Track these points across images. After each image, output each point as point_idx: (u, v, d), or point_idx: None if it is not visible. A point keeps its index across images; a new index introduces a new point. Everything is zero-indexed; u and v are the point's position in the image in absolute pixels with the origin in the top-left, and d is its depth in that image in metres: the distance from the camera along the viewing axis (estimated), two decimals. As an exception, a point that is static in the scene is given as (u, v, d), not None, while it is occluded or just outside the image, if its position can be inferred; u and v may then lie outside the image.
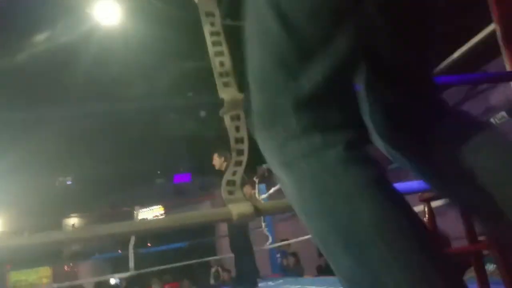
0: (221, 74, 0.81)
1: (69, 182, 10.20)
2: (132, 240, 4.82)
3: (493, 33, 1.57)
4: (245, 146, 0.80)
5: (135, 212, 6.75)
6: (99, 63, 4.73)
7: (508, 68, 1.35)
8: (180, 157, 9.26)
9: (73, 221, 10.96)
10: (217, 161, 4.56)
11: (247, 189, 4.39)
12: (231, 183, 0.81)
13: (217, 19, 0.85)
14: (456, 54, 2.36)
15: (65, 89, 5.10)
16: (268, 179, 6.28)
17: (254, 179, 5.21)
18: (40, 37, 4.38)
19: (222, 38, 0.84)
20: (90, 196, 9.40)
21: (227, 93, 0.79)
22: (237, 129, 0.79)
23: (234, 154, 0.79)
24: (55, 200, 9.19)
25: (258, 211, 0.75)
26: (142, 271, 5.05)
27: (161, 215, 11.18)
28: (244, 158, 0.80)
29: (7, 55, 4.50)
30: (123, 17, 3.96)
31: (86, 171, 8.79)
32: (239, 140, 0.79)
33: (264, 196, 5.20)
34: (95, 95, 5.33)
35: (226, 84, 0.80)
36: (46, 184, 9.44)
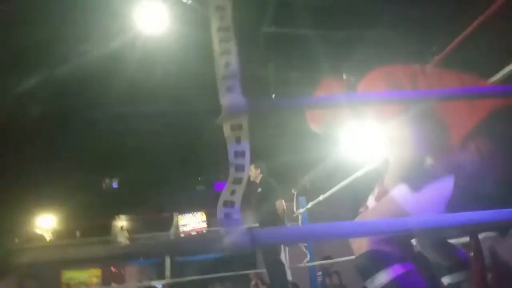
0: (224, 77, 0.69)
1: (115, 185, 10.52)
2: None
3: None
4: (246, 161, 0.67)
5: (174, 218, 6.80)
6: (144, 70, 4.80)
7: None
8: (221, 164, 9.30)
9: (121, 223, 11.32)
10: (253, 172, 4.46)
11: (279, 203, 4.24)
12: (228, 204, 0.68)
13: (228, 13, 0.73)
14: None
15: (111, 94, 5.22)
16: (309, 192, 6.08)
17: (293, 191, 5.04)
18: (92, 44, 4.51)
19: (231, 35, 0.72)
20: (135, 200, 9.63)
21: (229, 98, 0.66)
22: (238, 140, 0.66)
23: (232, 169, 0.66)
24: (102, 201, 9.50)
25: (255, 242, 0.62)
26: (177, 280, 5.03)
27: (203, 221, 11.28)
28: (245, 175, 0.67)
29: (58, 64, 4.68)
30: (170, 24, 3.98)
31: (131, 175, 9.02)
32: (239, 154, 0.66)
33: (302, 210, 5.01)
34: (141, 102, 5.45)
35: (229, 89, 0.68)
36: (94, 185, 9.79)
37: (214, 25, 0.70)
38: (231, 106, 0.65)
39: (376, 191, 1.36)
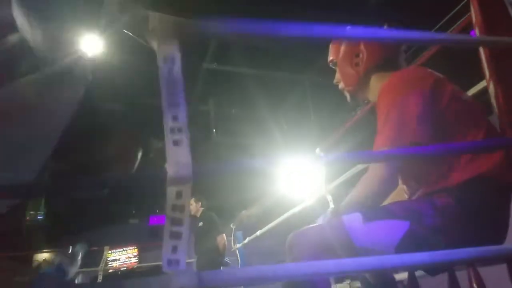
0: (172, 130, 0.66)
1: (40, 217, 9.77)
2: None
3: (484, 90, 1.48)
4: (185, 216, 0.64)
5: (104, 253, 6.42)
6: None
7: (499, 128, 1.24)
8: (156, 198, 9.01)
9: (44, 256, 10.47)
10: (194, 205, 4.36)
11: (221, 238, 4.17)
12: (173, 262, 0.64)
13: (177, 67, 0.71)
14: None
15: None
16: (247, 226, 6.04)
17: (231, 225, 4.98)
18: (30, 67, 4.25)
19: (179, 87, 0.70)
20: (61, 232, 8.99)
21: (176, 154, 0.64)
22: (178, 194, 0.63)
23: (168, 222, 0.63)
24: (26, 233, 8.77)
25: (203, 286, 0.59)
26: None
27: (135, 256, 10.73)
28: (185, 230, 0.64)
29: None
30: (107, 51, 3.88)
31: (58, 206, 8.44)
32: (177, 208, 0.63)
33: (239, 245, 4.94)
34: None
35: (176, 143, 0.65)
36: (17, 217, 9.04)
37: (162, 77, 0.68)
38: (176, 167, 0.62)
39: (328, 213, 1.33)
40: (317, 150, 3.25)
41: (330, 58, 1.50)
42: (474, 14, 1.31)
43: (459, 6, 2.31)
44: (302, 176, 3.79)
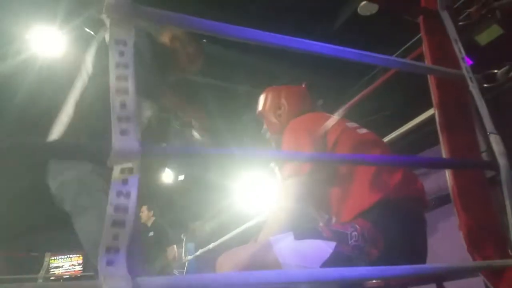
0: (119, 118, 0.65)
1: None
2: None
3: (432, 118, 1.57)
4: (131, 203, 0.62)
5: (45, 259, 6.11)
6: (35, 95, 4.41)
7: (444, 155, 1.31)
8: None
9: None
10: (145, 214, 4.26)
11: (171, 249, 4.08)
12: (112, 250, 0.61)
13: (129, 49, 0.70)
14: (394, 134, 2.39)
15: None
16: (200, 238, 5.94)
17: (182, 236, 4.89)
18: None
19: (130, 72, 0.69)
20: (2, 237, 8.43)
21: (122, 142, 0.62)
22: (125, 181, 0.62)
23: (111, 210, 0.61)
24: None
25: None
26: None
27: (79, 264, 10.27)
28: (129, 218, 0.62)
29: None
30: (66, 48, 3.76)
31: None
32: (122, 194, 0.61)
33: (190, 257, 4.86)
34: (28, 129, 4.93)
35: (123, 132, 0.64)
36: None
37: (112, 60, 0.67)
38: (123, 150, 0.61)
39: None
40: (272, 164, 3.29)
41: (258, 110, 1.71)
42: (424, 47, 1.41)
43: (414, 39, 2.48)
44: (258, 190, 3.80)
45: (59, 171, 1.54)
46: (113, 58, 0.68)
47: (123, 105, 0.65)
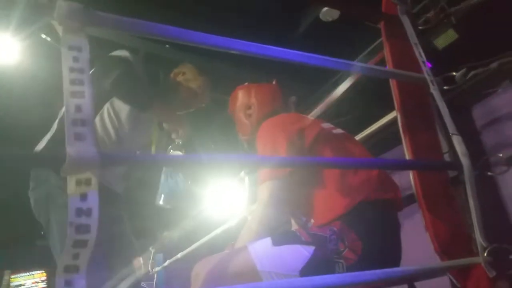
0: (74, 122, 0.61)
1: None
2: None
3: (395, 121, 1.60)
4: (92, 221, 0.58)
5: (5, 277, 5.81)
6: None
7: (407, 157, 1.33)
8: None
9: None
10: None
11: (137, 262, 3.95)
12: (71, 269, 0.58)
13: (84, 55, 0.67)
14: (361, 135, 2.43)
15: None
16: (168, 249, 5.82)
17: (150, 248, 4.76)
18: None
19: (85, 77, 0.65)
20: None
21: (77, 148, 0.59)
22: (83, 196, 0.58)
23: (72, 230, 0.57)
24: None
25: None
26: None
27: (43, 281, 9.83)
28: (91, 237, 0.59)
29: None
30: (21, 55, 3.61)
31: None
32: (83, 212, 0.58)
33: (158, 268, 4.74)
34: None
35: (78, 137, 0.60)
36: None
37: (65, 65, 0.63)
38: (78, 158, 0.57)
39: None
40: (242, 173, 3.26)
41: (229, 110, 1.66)
42: (385, 51, 1.44)
43: (376, 43, 2.53)
44: (226, 197, 3.77)
45: (33, 186, 1.57)
46: (66, 63, 0.65)
47: (78, 108, 0.62)
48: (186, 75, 1.80)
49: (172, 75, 1.81)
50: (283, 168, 1.26)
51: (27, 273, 9.49)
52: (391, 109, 2.19)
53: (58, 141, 1.51)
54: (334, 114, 3.40)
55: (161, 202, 1.55)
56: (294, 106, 1.67)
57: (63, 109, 1.54)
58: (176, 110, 1.79)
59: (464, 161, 1.13)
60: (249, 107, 1.57)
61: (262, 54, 0.96)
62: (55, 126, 1.59)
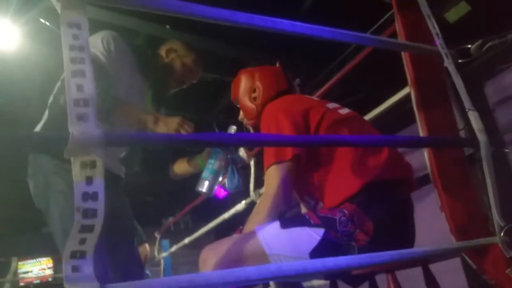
0: (76, 102, 0.57)
1: None
2: None
3: (404, 100, 1.55)
4: (99, 205, 0.55)
5: (13, 264, 5.88)
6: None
7: (421, 134, 1.29)
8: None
9: None
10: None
11: (143, 248, 3.95)
12: (78, 254, 0.55)
13: (84, 33, 0.63)
14: (371, 115, 2.37)
15: None
16: (174, 234, 5.85)
17: (156, 234, 4.77)
18: None
19: (86, 55, 0.61)
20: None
21: (80, 128, 0.55)
22: (89, 180, 0.54)
23: (79, 215, 0.54)
24: None
25: None
26: None
27: (49, 268, 9.94)
28: (98, 222, 0.56)
29: None
30: (21, 41, 3.57)
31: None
32: (89, 196, 0.54)
33: (165, 254, 4.75)
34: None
35: (81, 117, 0.56)
36: None
37: (65, 42, 0.59)
38: (82, 138, 0.53)
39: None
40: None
41: (232, 96, 1.64)
42: (397, 24, 1.38)
43: (386, 16, 2.45)
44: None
45: (31, 172, 1.56)
46: (66, 41, 0.61)
47: (79, 87, 0.58)
48: (178, 52, 1.79)
49: (163, 53, 1.78)
50: (290, 151, 1.23)
51: (34, 260, 9.61)
52: (399, 89, 2.14)
53: (50, 129, 1.49)
54: (341, 93, 3.34)
55: (204, 190, 1.54)
56: (298, 89, 1.66)
57: (51, 97, 1.52)
58: (171, 88, 1.80)
59: (481, 137, 1.08)
60: (253, 90, 1.55)
61: (269, 27, 0.91)
62: (46, 115, 1.57)
